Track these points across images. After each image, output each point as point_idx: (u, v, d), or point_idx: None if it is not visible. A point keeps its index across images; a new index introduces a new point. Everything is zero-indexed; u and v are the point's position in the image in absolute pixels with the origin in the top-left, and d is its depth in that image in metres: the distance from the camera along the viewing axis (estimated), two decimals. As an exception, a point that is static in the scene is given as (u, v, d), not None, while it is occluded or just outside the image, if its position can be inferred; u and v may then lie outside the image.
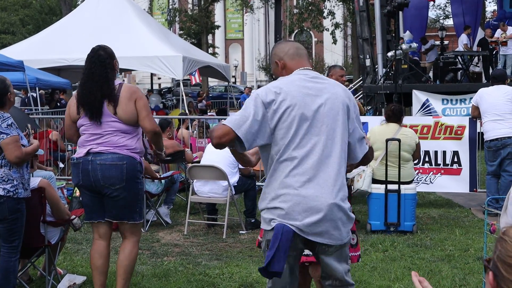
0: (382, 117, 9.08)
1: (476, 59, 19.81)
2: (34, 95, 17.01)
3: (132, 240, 5.35)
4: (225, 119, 15.88)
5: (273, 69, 3.96)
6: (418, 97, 15.52)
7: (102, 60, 5.21)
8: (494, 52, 18.66)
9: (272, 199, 3.64)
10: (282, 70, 3.86)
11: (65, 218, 5.79)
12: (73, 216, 5.98)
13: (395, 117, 8.37)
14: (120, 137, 5.17)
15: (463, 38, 20.76)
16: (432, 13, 35.77)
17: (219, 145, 3.60)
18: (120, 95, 5.14)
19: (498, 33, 18.33)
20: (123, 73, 40.08)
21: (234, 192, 8.43)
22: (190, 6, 50.22)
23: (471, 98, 10.38)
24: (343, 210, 3.63)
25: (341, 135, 3.66)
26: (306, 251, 4.09)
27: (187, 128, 13.14)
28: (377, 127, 8.67)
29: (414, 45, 17.59)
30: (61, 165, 12.44)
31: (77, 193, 8.43)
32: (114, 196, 5.16)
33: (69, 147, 13.40)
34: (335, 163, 3.62)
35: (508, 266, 1.86)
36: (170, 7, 45.44)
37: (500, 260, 1.88)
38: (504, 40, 17.65)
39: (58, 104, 19.81)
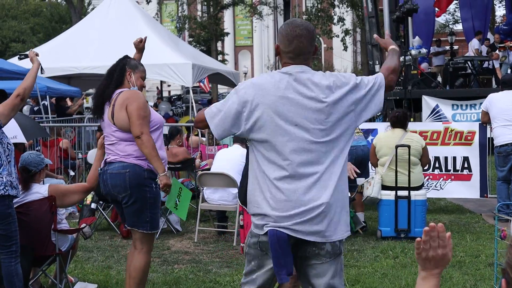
0: (387, 123, 9.08)
1: (486, 64, 19.75)
2: (45, 103, 17.09)
3: (142, 251, 5.34)
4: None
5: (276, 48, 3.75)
6: (428, 102, 15.48)
7: (120, 65, 5.41)
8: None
9: None
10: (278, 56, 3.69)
11: (81, 189, 5.81)
12: (84, 225, 6.01)
13: (400, 123, 8.36)
14: (126, 145, 5.24)
15: (475, 43, 20.69)
16: (441, 18, 35.77)
17: (197, 128, 3.77)
18: (115, 104, 5.23)
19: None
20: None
21: (244, 199, 8.43)
22: (199, 13, 50.28)
23: (481, 103, 10.35)
24: None
25: None
26: None
27: (197, 135, 13.16)
28: (383, 134, 8.67)
29: (424, 50, 17.49)
30: (72, 173, 12.48)
31: (88, 201, 8.48)
32: (124, 203, 5.27)
33: (80, 155, 13.44)
34: None
35: None
36: (179, 14, 45.56)
37: (509, 266, 1.90)
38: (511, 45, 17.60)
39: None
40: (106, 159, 5.33)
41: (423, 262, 2.34)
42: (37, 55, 5.63)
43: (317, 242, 3.44)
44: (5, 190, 4.94)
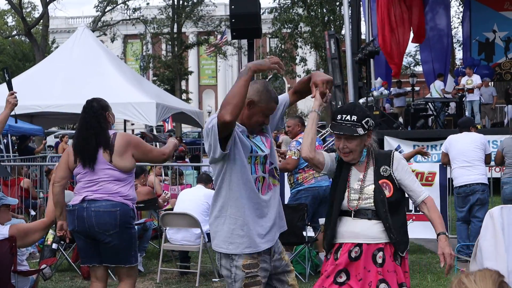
0: None
1: (450, 105, 20.12)
2: (6, 141, 16.92)
3: (129, 282, 5.54)
4: (198, 166, 15.59)
5: None
6: (390, 143, 15.68)
7: (95, 111, 5.57)
8: (463, 99, 18.96)
9: None
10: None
11: (41, 225, 5.71)
12: (44, 266, 5.94)
13: None
14: (114, 185, 5.39)
15: (440, 84, 21.09)
16: (404, 61, 36.27)
17: None
18: (115, 144, 5.43)
19: (464, 79, 18.65)
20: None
21: (207, 240, 8.40)
22: (163, 52, 50.46)
23: (441, 144, 10.52)
24: None
25: None
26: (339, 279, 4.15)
27: (161, 175, 13.11)
28: None
29: (385, 92, 17.84)
30: (33, 212, 12.33)
31: (49, 241, 8.38)
32: (108, 242, 5.34)
33: (41, 195, 13.29)
34: None
35: None
36: (144, 53, 45.68)
37: None
38: (470, 87, 17.98)
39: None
40: (85, 196, 5.38)
41: None
42: (13, 94, 5.68)
43: None
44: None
